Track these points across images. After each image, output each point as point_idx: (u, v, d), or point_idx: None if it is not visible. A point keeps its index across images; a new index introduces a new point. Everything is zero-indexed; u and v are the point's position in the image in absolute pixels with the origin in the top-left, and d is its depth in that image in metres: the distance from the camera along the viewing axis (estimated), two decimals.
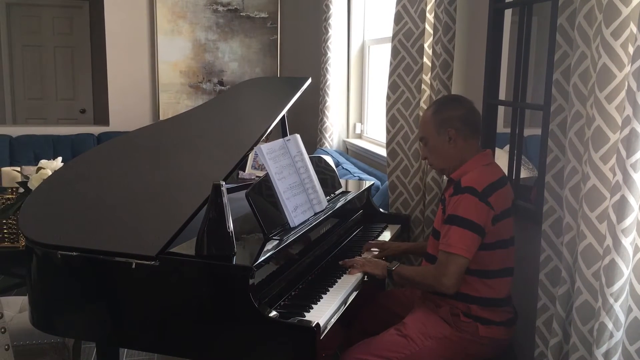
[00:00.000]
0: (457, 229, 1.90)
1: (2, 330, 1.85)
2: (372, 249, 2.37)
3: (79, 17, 6.52)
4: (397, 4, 2.83)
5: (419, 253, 2.48)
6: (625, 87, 1.48)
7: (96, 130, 5.25)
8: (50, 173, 2.70)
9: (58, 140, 5.03)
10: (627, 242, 1.46)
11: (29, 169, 3.08)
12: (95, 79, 6.50)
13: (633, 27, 1.49)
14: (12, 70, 6.44)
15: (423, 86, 2.76)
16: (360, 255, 2.33)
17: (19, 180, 2.92)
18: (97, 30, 5.85)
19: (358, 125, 4.70)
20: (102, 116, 5.96)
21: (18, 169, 3.18)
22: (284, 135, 2.62)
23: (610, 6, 1.50)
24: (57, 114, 6.60)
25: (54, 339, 2.26)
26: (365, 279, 2.09)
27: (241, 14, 5.34)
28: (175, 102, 5.29)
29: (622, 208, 1.45)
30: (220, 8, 5.29)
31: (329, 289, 1.96)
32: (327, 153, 4.17)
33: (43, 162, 2.88)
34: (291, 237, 1.93)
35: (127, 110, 5.17)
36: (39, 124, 6.22)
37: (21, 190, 2.86)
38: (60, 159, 2.95)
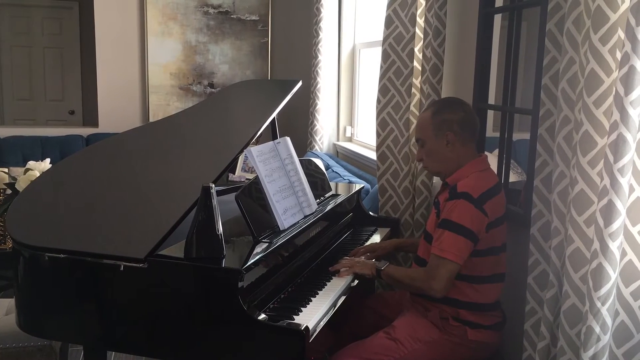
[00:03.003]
0: (451, 234, 1.89)
1: None
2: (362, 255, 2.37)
3: (69, 18, 6.48)
4: (388, 7, 2.84)
5: (410, 250, 2.48)
6: (613, 93, 1.50)
7: (85, 131, 5.22)
8: (38, 174, 2.68)
9: (46, 142, 4.99)
10: (614, 246, 1.47)
11: (17, 170, 3.05)
12: (84, 80, 6.47)
13: (621, 33, 1.50)
14: (0, 71, 6.40)
15: (413, 90, 2.76)
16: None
17: (7, 181, 2.90)
18: (87, 31, 5.82)
19: (348, 128, 4.70)
20: (91, 117, 5.93)
21: (6, 170, 3.15)
22: (274, 137, 2.62)
23: (598, 12, 1.51)
24: (46, 115, 6.56)
25: (40, 342, 2.24)
26: (354, 284, 2.08)
27: (232, 16, 5.33)
28: (165, 104, 5.27)
29: (609, 212, 1.46)
30: (211, 10, 5.28)
31: (318, 292, 1.96)
32: (317, 156, 4.17)
33: (31, 164, 2.86)
34: (281, 240, 1.93)
35: (116, 111, 5.15)
36: (27, 124, 6.18)
37: (9, 191, 2.84)
38: (48, 160, 2.93)
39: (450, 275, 1.89)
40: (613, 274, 1.48)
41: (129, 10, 5.12)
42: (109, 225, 1.97)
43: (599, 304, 1.50)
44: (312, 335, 1.67)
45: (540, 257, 1.93)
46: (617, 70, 1.47)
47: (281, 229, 2.01)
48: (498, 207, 1.98)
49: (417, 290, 2.01)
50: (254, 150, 2.04)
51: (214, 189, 1.71)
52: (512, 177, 2.43)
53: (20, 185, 2.71)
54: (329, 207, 2.39)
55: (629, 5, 1.42)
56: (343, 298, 1.97)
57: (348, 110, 4.71)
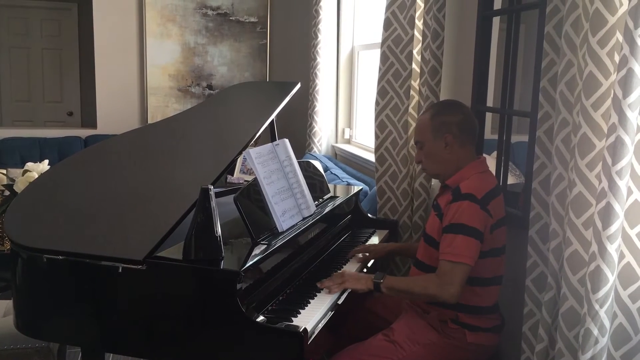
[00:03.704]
0: (464, 237, 1.87)
1: None
2: (358, 254, 2.37)
3: (68, 19, 6.49)
4: (387, 10, 2.84)
5: (407, 254, 2.47)
6: (611, 95, 1.50)
7: (83, 133, 5.22)
8: (36, 176, 2.68)
9: (45, 143, 4.99)
10: (612, 248, 1.47)
11: (15, 172, 3.05)
12: (83, 81, 6.47)
13: (619, 35, 1.51)
14: None
15: (412, 92, 2.77)
16: (348, 260, 2.33)
17: (5, 182, 2.89)
18: (86, 33, 5.82)
19: (347, 130, 4.70)
20: (89, 119, 5.93)
21: (4, 171, 3.14)
22: (273, 139, 2.62)
23: (596, 15, 1.51)
24: (44, 116, 6.55)
25: (38, 344, 2.23)
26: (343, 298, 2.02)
27: (231, 18, 5.34)
28: (164, 105, 5.27)
29: (607, 215, 1.46)
30: (210, 12, 5.29)
31: (317, 294, 1.96)
32: (316, 158, 4.17)
33: (29, 165, 2.86)
34: (279, 242, 1.93)
35: (115, 113, 5.15)
36: (25, 126, 6.18)
37: (7, 193, 2.83)
38: (47, 161, 2.92)
39: (465, 278, 1.87)
40: (611, 276, 1.49)
41: (127, 11, 5.12)
42: (108, 227, 1.97)
43: (597, 307, 1.50)
44: (311, 337, 1.67)
45: (539, 259, 1.93)
46: (616, 73, 1.48)
47: (280, 230, 2.01)
48: (499, 209, 1.99)
49: (430, 298, 1.95)
50: (253, 152, 2.04)
51: (212, 190, 1.71)
52: (511, 180, 2.43)
53: (19, 187, 2.70)
54: (327, 209, 2.39)
55: (627, 8, 1.43)
56: (342, 300, 1.97)
57: (347, 112, 4.71)
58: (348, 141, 4.71)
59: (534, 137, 1.99)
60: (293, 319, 1.75)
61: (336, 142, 4.75)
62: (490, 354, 2.06)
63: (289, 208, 2.09)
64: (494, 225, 1.94)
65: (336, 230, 2.58)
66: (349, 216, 2.75)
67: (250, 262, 1.73)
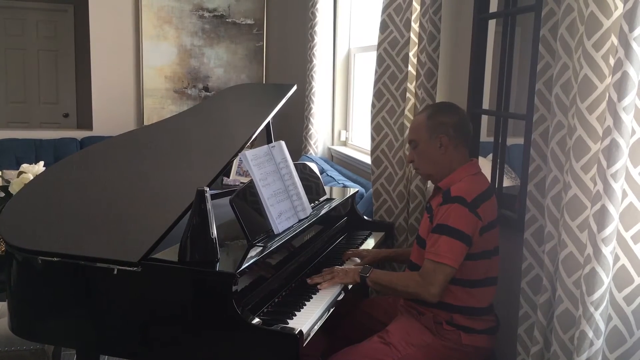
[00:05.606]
0: (447, 238, 1.89)
1: None
2: (352, 258, 2.37)
3: (64, 20, 6.48)
4: (383, 12, 2.84)
5: (400, 260, 2.48)
6: (606, 98, 1.50)
7: (79, 134, 5.21)
8: (31, 177, 2.67)
9: (40, 145, 4.98)
10: (607, 251, 1.47)
11: (11, 173, 3.04)
12: (79, 83, 6.46)
13: (614, 39, 1.51)
14: None
15: (408, 94, 2.77)
16: (343, 263, 2.33)
17: (0, 184, 2.89)
18: (82, 34, 5.81)
19: (343, 132, 4.71)
20: (85, 120, 5.92)
21: None
22: (269, 141, 2.62)
23: (591, 18, 1.52)
24: (40, 117, 6.54)
25: (33, 346, 2.23)
26: (349, 288, 2.08)
27: (227, 20, 5.34)
28: (160, 107, 5.27)
29: (602, 217, 1.46)
30: (206, 14, 5.29)
31: (313, 296, 1.96)
32: (312, 160, 4.17)
33: (24, 167, 2.85)
34: (275, 244, 1.93)
35: (111, 114, 5.14)
36: (21, 127, 6.16)
37: (2, 194, 2.82)
38: (42, 163, 2.91)
39: (447, 279, 1.89)
40: (606, 278, 1.49)
41: (124, 13, 5.12)
42: (103, 229, 1.97)
43: (592, 309, 1.50)
44: (306, 339, 1.67)
45: (534, 261, 1.93)
46: (611, 76, 1.48)
47: (275, 232, 2.01)
48: (491, 211, 1.99)
49: (411, 296, 2.00)
50: (249, 154, 2.04)
51: (208, 192, 1.71)
52: (506, 182, 2.44)
53: (14, 189, 2.69)
54: (323, 211, 2.39)
55: (622, 12, 1.43)
56: (337, 302, 1.97)
57: (343, 115, 4.71)
58: (344, 143, 4.72)
59: (529, 139, 2.00)
60: (289, 321, 1.75)
61: (332, 144, 4.75)
62: (485, 356, 2.06)
63: (285, 210, 2.09)
64: (483, 227, 1.94)
65: (332, 232, 2.58)
66: (345, 218, 2.75)
67: (246, 264, 1.73)
